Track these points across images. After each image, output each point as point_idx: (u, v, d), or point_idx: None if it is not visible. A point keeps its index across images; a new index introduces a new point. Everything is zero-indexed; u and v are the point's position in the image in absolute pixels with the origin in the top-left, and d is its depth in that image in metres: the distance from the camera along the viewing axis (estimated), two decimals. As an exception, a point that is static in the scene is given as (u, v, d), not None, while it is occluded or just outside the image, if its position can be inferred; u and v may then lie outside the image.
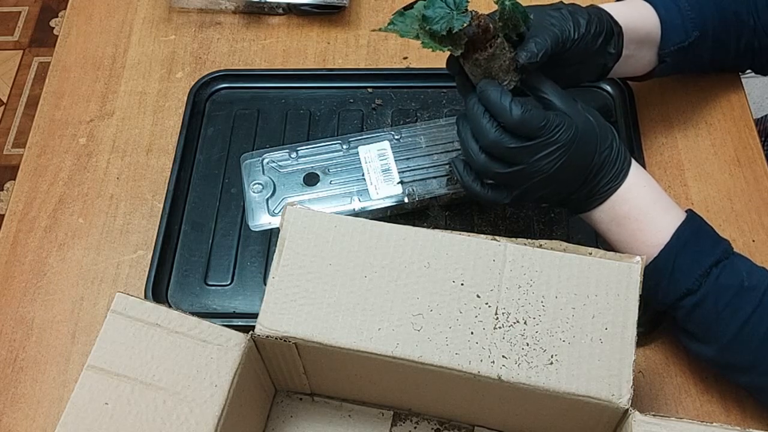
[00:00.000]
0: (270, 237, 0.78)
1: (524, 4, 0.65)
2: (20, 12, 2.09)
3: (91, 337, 0.73)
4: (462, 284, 0.58)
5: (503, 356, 0.55)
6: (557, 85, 0.66)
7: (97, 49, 0.94)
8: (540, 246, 0.59)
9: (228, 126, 0.86)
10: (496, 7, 0.64)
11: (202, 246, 0.78)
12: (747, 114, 0.85)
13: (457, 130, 0.68)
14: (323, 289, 0.58)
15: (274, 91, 0.88)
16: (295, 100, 0.87)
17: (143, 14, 0.96)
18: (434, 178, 0.76)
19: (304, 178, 0.77)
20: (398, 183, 0.76)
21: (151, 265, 0.76)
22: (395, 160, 0.77)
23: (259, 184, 0.76)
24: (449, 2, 0.63)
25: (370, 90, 0.88)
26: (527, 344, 0.55)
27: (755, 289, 0.62)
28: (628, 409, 0.54)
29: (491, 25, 0.63)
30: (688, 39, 0.75)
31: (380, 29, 0.66)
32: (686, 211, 0.66)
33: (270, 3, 0.94)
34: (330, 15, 0.95)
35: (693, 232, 0.65)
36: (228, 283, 0.76)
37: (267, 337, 0.57)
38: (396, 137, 0.78)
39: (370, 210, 0.75)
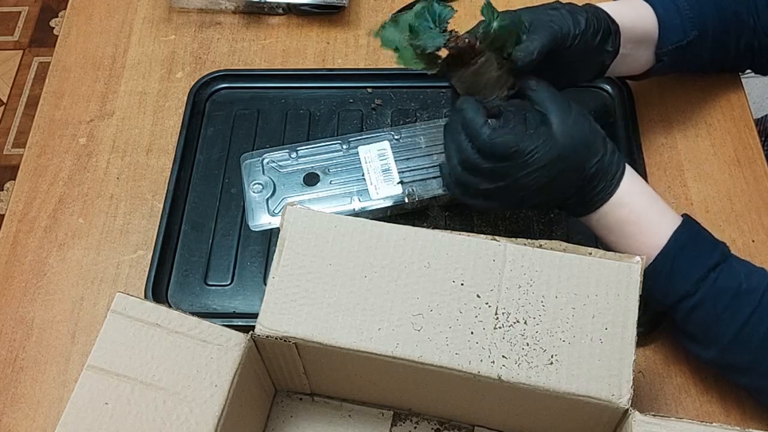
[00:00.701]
0: (270, 237, 0.78)
1: (524, 4, 0.65)
2: (20, 12, 2.09)
3: (91, 337, 0.73)
4: (462, 284, 0.58)
5: (503, 356, 0.55)
6: (555, 92, 0.65)
7: (97, 49, 0.94)
8: (540, 246, 0.59)
9: (228, 126, 0.86)
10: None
11: (202, 246, 0.78)
12: (747, 114, 0.85)
13: (443, 141, 0.68)
14: (323, 289, 0.58)
15: (274, 91, 0.88)
16: (295, 100, 0.87)
17: (143, 14, 0.96)
18: (434, 178, 0.76)
19: (304, 178, 0.77)
20: (398, 183, 0.76)
21: (151, 265, 0.76)
22: (395, 160, 0.77)
23: (259, 184, 0.76)
24: (435, 16, 0.63)
25: (369, 90, 0.88)
26: (527, 344, 0.56)
27: (754, 291, 0.62)
28: (628, 409, 0.54)
29: (477, 42, 0.63)
30: (686, 38, 0.75)
31: (374, 34, 0.65)
32: (682, 216, 0.66)
33: (270, 3, 0.94)
34: (330, 15, 0.95)
35: (690, 236, 0.65)
36: (228, 283, 0.76)
37: (267, 337, 0.57)
38: (396, 137, 0.78)
39: (370, 210, 0.75)
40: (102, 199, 0.82)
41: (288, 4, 0.94)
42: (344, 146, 0.78)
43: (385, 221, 0.61)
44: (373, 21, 0.94)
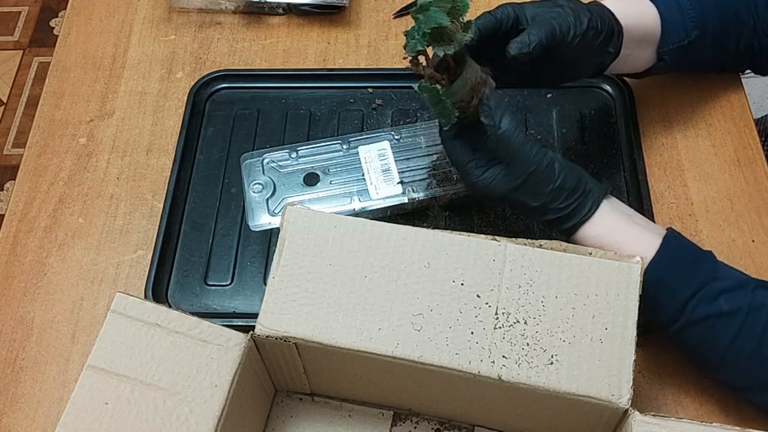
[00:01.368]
0: (270, 237, 0.78)
1: (522, 2, 0.65)
2: (20, 12, 2.09)
3: (91, 337, 0.73)
4: (462, 284, 0.58)
5: (503, 356, 0.55)
6: (512, 137, 0.64)
7: (97, 49, 0.94)
8: (540, 246, 0.59)
9: (228, 126, 0.86)
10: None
11: (202, 246, 0.78)
12: (747, 114, 0.85)
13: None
14: (323, 289, 0.58)
15: (274, 91, 0.88)
16: (295, 100, 0.87)
17: (143, 14, 0.96)
18: (434, 178, 0.76)
19: (304, 178, 0.77)
20: (398, 183, 0.76)
21: (151, 265, 0.76)
22: (395, 160, 0.77)
23: (259, 184, 0.76)
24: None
25: (370, 90, 0.88)
26: (527, 344, 0.56)
27: (735, 313, 0.61)
28: (628, 409, 0.54)
29: (441, 61, 0.62)
30: (687, 38, 0.75)
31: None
32: (663, 238, 0.64)
33: (270, 3, 0.94)
34: (330, 15, 0.95)
35: (666, 265, 0.62)
36: (228, 283, 0.76)
37: (267, 337, 0.57)
38: (396, 137, 0.78)
39: (370, 210, 0.75)
40: (102, 199, 0.82)
41: (288, 4, 0.94)
42: (344, 146, 0.78)
43: (385, 221, 0.61)
44: (373, 21, 0.94)
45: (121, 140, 0.86)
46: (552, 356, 0.55)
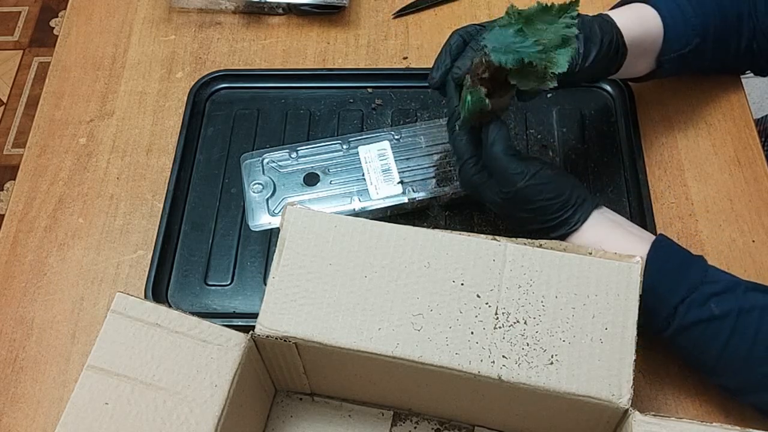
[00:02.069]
0: (270, 237, 0.78)
1: (523, 4, 0.65)
2: (20, 12, 2.09)
3: (91, 337, 0.73)
4: (462, 284, 0.58)
5: (503, 356, 0.55)
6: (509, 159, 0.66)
7: (97, 49, 0.94)
8: (540, 246, 0.59)
9: (228, 126, 0.86)
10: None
11: (202, 246, 0.78)
12: (747, 114, 0.85)
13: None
14: (323, 289, 0.58)
15: (274, 91, 0.88)
16: (295, 100, 0.87)
17: (143, 14, 0.96)
18: (434, 178, 0.76)
19: (304, 178, 0.77)
20: (398, 183, 0.76)
21: (151, 265, 0.76)
22: (395, 160, 0.77)
23: (259, 184, 0.76)
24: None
25: (370, 90, 0.88)
26: (527, 344, 0.55)
27: (726, 316, 0.61)
28: (628, 409, 0.54)
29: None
30: (688, 46, 0.75)
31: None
32: (651, 244, 0.64)
33: (270, 3, 0.94)
34: (330, 15, 0.95)
35: (654, 272, 0.62)
36: (228, 283, 0.76)
37: (267, 337, 0.57)
38: (396, 137, 0.78)
39: (370, 210, 0.75)
40: (102, 199, 0.82)
41: (288, 4, 0.94)
42: (344, 146, 0.78)
43: (385, 221, 0.61)
44: (373, 20, 0.94)
45: (121, 140, 0.86)
46: (552, 356, 0.55)
